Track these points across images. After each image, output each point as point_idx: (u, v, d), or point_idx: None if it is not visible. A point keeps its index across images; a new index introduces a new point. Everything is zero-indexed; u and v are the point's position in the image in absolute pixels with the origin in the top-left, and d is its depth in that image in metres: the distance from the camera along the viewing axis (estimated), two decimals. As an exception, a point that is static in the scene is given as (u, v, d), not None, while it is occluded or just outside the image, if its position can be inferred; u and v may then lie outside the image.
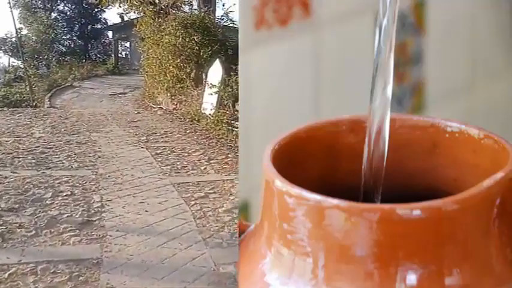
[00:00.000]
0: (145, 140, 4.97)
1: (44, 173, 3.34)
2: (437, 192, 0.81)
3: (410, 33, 1.25)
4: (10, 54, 16.86)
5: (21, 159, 3.78)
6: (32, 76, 12.19)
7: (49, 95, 10.38)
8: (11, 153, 3.98)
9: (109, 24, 16.77)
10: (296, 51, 1.12)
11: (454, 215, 0.68)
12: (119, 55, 16.18)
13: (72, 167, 3.59)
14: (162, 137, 5.22)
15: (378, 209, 0.69)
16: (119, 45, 16.59)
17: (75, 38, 16.80)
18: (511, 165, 0.73)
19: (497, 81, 1.36)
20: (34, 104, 9.97)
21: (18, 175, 3.24)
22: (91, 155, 4.07)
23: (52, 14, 16.23)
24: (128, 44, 17.13)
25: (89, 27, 16.64)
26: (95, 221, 2.41)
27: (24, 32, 15.56)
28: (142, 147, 4.56)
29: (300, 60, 1.13)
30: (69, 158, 3.89)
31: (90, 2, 12.47)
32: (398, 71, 1.23)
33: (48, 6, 16.32)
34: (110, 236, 2.19)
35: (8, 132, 5.23)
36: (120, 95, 10.42)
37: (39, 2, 16.25)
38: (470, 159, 0.84)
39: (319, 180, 0.88)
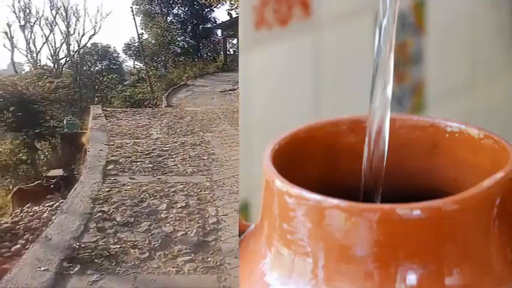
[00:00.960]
0: None
1: (159, 179, 3.41)
2: (437, 192, 0.81)
3: (410, 33, 1.25)
4: (134, 58, 18.69)
5: (139, 163, 3.89)
6: (152, 77, 13.53)
7: (166, 94, 11.06)
8: (130, 157, 4.14)
9: (218, 22, 17.35)
10: (296, 51, 1.12)
11: (454, 215, 0.68)
12: (227, 52, 16.63)
13: (187, 172, 3.63)
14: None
15: (378, 209, 0.69)
16: (227, 43, 17.02)
17: (188, 38, 17.73)
18: (511, 165, 0.73)
19: (497, 81, 1.36)
20: (154, 102, 10.94)
21: (135, 181, 3.33)
22: (205, 157, 4.10)
23: (168, 17, 17.35)
24: (235, 41, 17.49)
25: (200, 27, 17.50)
26: (210, 242, 2.31)
27: (145, 36, 17.18)
28: None
29: (300, 60, 1.13)
30: (184, 162, 3.94)
31: (201, 2, 13.35)
32: (398, 71, 1.23)
33: (165, 10, 17.45)
34: (228, 264, 2.03)
35: (129, 133, 5.52)
36: (229, 92, 10.64)
37: (157, 7, 17.42)
38: (470, 159, 0.84)
39: (319, 180, 0.88)
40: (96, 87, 17.22)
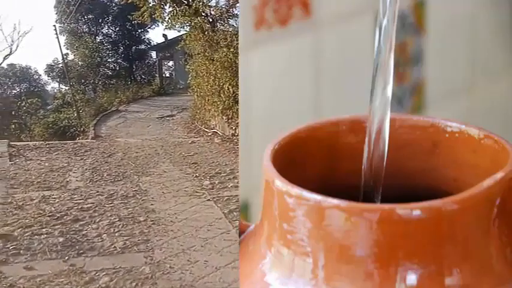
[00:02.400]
0: (210, 187, 3.74)
1: (72, 266, 2.19)
2: (437, 192, 0.81)
3: (410, 33, 1.25)
4: (58, 80, 16.82)
5: (44, 237, 2.57)
6: (79, 101, 12.14)
7: (94, 122, 9.69)
8: (32, 225, 2.75)
9: (152, 44, 16.55)
10: (296, 51, 1.12)
11: (454, 215, 0.68)
12: (163, 75, 16.02)
13: (116, 248, 2.41)
14: (229, 179, 3.97)
15: (378, 209, 0.69)
16: (163, 65, 16.42)
17: (120, 60, 16.56)
18: (511, 165, 0.73)
19: (497, 81, 1.36)
20: (82, 129, 9.70)
21: (32, 274, 2.10)
22: (141, 218, 2.92)
23: (97, 37, 16.09)
24: (171, 63, 16.96)
25: (133, 48, 16.51)
26: None
27: (71, 57, 15.60)
28: (208, 200, 3.36)
29: (300, 60, 1.13)
30: (112, 230, 2.69)
31: (133, 22, 12.06)
32: (398, 71, 1.23)
33: (93, 30, 16.16)
34: None
35: (38, 182, 3.98)
36: (168, 118, 9.62)
37: (85, 26, 16.13)
38: (470, 159, 0.84)
39: (319, 180, 0.88)
40: (14, 112, 14.61)
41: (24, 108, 14.13)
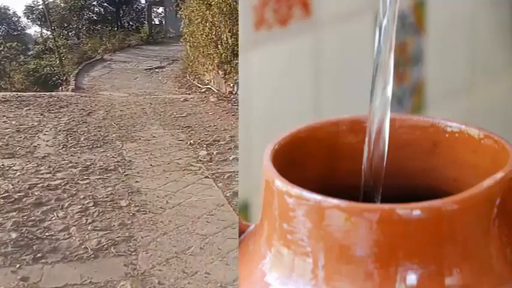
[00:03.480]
0: (208, 159, 3.10)
1: (23, 282, 1.56)
2: (437, 192, 0.81)
3: (410, 33, 1.25)
4: (38, 23, 15.48)
5: None
6: (62, 47, 11.02)
7: (76, 71, 8.58)
8: None
9: None
10: (296, 51, 1.12)
11: (454, 215, 0.68)
12: (152, 22, 14.71)
13: (87, 249, 1.80)
14: (230, 150, 3.30)
15: (378, 209, 0.69)
16: (152, 11, 15.07)
17: (106, 4, 14.96)
18: (511, 165, 0.73)
19: (497, 81, 1.36)
20: (64, 78, 8.91)
21: None
22: (123, 203, 2.28)
23: None
24: (161, 9, 15.60)
25: None
26: None
27: None
28: (206, 177, 2.74)
29: (300, 60, 1.13)
30: (84, 220, 2.07)
31: None
32: (398, 71, 1.23)
33: None
34: None
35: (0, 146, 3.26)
36: (157, 70, 8.64)
37: None
38: (470, 159, 0.84)
39: (319, 180, 0.88)
40: None
41: (3, 53, 12.87)
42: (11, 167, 2.90)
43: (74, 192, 2.47)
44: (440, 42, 1.27)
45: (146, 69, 8.87)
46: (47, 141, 3.58)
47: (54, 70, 9.79)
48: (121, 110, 4.90)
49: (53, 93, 6.20)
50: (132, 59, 10.10)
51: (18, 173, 2.77)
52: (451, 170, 0.87)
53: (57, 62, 10.12)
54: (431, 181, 0.89)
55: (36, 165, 2.94)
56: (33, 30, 16.89)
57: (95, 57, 10.29)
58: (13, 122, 4.19)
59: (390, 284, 0.68)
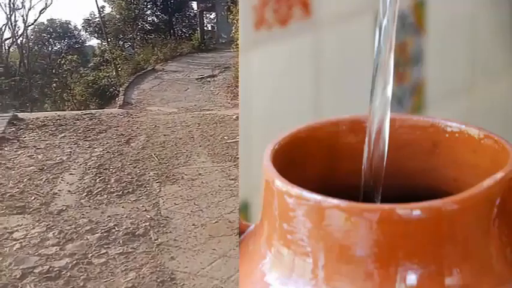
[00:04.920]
0: None
1: None
2: (437, 192, 0.81)
3: (410, 33, 1.25)
4: (96, 36, 15.70)
5: None
6: (118, 58, 11.25)
7: (126, 85, 8.26)
8: None
9: None
10: (296, 51, 1.12)
11: (454, 215, 0.68)
12: (205, 28, 14.50)
13: None
14: None
15: (378, 209, 0.69)
16: (204, 17, 14.88)
17: (158, 12, 14.79)
18: (511, 165, 0.73)
19: (497, 81, 1.36)
20: (120, 89, 8.55)
21: None
22: (157, 278, 1.72)
23: None
24: (213, 15, 15.47)
25: None
26: None
27: (107, 10, 14.44)
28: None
29: (300, 60, 1.13)
30: None
31: None
32: (398, 71, 1.23)
33: None
34: None
35: (12, 195, 2.62)
36: (208, 79, 8.29)
37: None
38: (470, 159, 0.84)
39: (319, 180, 0.88)
40: (54, 70, 13.92)
41: (64, 66, 13.60)
42: (13, 231, 2.17)
43: (82, 283, 1.71)
44: (440, 42, 1.27)
45: (197, 79, 8.51)
46: (71, 184, 2.87)
47: (112, 81, 9.90)
48: (165, 135, 4.19)
49: (96, 113, 5.62)
50: (183, 68, 9.80)
51: (17, 246, 2.01)
52: (451, 170, 0.87)
53: (114, 73, 10.29)
54: (431, 181, 0.89)
55: (45, 228, 2.21)
56: (94, 42, 17.09)
57: (146, 68, 10.16)
58: (39, 157, 3.47)
59: (390, 284, 0.68)
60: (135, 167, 3.22)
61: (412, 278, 0.68)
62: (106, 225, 2.23)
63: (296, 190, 0.72)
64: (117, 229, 2.19)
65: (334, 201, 0.69)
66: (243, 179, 1.12)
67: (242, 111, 1.11)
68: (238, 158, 3.17)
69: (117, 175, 3.04)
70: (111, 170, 3.18)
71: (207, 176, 2.98)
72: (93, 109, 8.33)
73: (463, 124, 0.84)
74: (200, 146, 3.77)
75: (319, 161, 0.89)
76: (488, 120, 1.07)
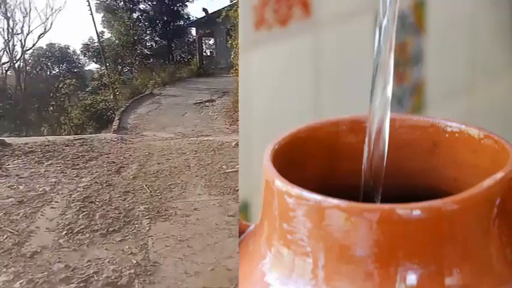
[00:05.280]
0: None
1: None
2: (437, 192, 0.81)
3: (410, 33, 1.25)
4: (94, 60, 15.88)
5: None
6: (116, 82, 11.26)
7: (122, 109, 8.09)
8: None
9: (191, 19, 14.96)
10: (296, 51, 1.12)
11: (454, 215, 0.68)
12: (203, 53, 14.63)
13: None
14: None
15: (378, 209, 0.69)
16: (203, 43, 15.02)
17: (157, 38, 15.23)
18: (511, 165, 0.73)
19: (497, 81, 1.36)
20: (117, 112, 8.76)
21: None
22: None
23: (133, 14, 14.65)
24: (211, 41, 15.61)
25: (171, 24, 15.00)
26: None
27: (107, 35, 14.69)
28: None
29: (300, 60, 1.13)
30: None
31: None
32: (398, 71, 1.23)
33: (129, 5, 14.58)
34: None
35: None
36: (207, 104, 8.20)
37: (120, 1, 14.60)
38: (470, 159, 0.84)
39: (319, 180, 0.88)
40: (52, 94, 14.26)
41: (62, 90, 13.69)
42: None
43: None
44: (440, 42, 1.27)
45: (196, 104, 8.39)
46: (51, 220, 2.56)
47: (109, 105, 9.89)
48: (159, 163, 3.87)
49: (88, 139, 5.32)
50: (182, 93, 9.71)
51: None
52: (451, 170, 0.87)
53: (112, 97, 10.23)
54: (431, 181, 0.89)
55: (12, 276, 1.85)
56: (93, 66, 17.26)
57: (144, 93, 10.13)
58: (21, 187, 3.16)
59: (390, 284, 0.68)
60: (124, 200, 2.90)
61: (412, 278, 0.68)
62: (84, 273, 1.92)
63: (296, 190, 0.72)
64: (96, 278, 1.87)
65: (334, 201, 0.69)
66: (243, 179, 1.12)
67: (242, 111, 1.11)
68: (237, 190, 2.48)
69: (103, 209, 2.73)
70: (97, 203, 2.87)
71: (203, 211, 2.67)
72: (90, 133, 8.29)
73: (463, 124, 0.84)
74: (196, 176, 3.45)
75: (319, 161, 0.90)
76: (488, 120, 1.07)
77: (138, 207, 2.78)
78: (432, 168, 0.89)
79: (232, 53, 6.83)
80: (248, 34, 1.06)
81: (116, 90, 10.58)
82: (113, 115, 8.51)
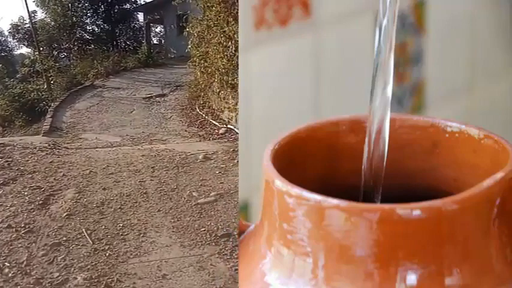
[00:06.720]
0: None
1: None
2: (437, 192, 0.81)
3: (410, 33, 1.25)
4: (25, 43, 13.83)
5: None
6: (50, 70, 9.63)
7: (56, 104, 6.68)
8: None
9: (139, 3, 13.30)
10: (296, 51, 1.12)
11: (454, 215, 0.68)
12: (151, 42, 13.43)
13: None
14: None
15: (378, 209, 0.69)
16: (151, 30, 13.84)
17: (100, 21, 13.23)
18: (511, 165, 0.73)
19: (497, 81, 1.36)
20: (52, 104, 7.45)
21: None
22: None
23: None
24: (159, 28, 14.24)
25: (116, 8, 13.16)
26: None
27: (40, 15, 12.69)
28: None
29: (300, 60, 1.13)
30: None
31: None
32: (398, 71, 1.23)
33: None
34: None
35: None
36: (158, 99, 6.90)
37: None
38: (470, 159, 0.84)
39: (319, 180, 0.88)
40: None
41: None
42: None
43: None
44: (440, 42, 1.27)
45: (145, 98, 7.06)
46: None
47: (42, 95, 8.54)
48: (104, 189, 2.68)
49: (7, 145, 3.84)
50: (128, 85, 8.28)
51: None
52: (451, 170, 0.87)
53: (45, 86, 8.94)
54: (431, 181, 0.89)
55: None
56: (24, 51, 15.02)
57: (84, 83, 8.74)
58: None
59: (390, 284, 0.68)
60: (50, 263, 1.76)
61: (412, 278, 0.68)
62: None
63: (296, 190, 0.72)
64: None
65: (334, 201, 0.69)
66: (243, 179, 1.12)
67: (242, 111, 1.11)
68: (222, 237, 1.99)
69: (15, 284, 1.61)
70: (6, 267, 1.73)
71: (174, 280, 1.64)
72: (20, 126, 6.89)
73: (463, 124, 0.84)
74: (159, 210, 2.32)
75: (319, 161, 0.89)
76: (488, 120, 1.07)
77: (75, 278, 1.66)
78: (432, 168, 0.89)
79: (189, 42, 5.68)
80: (248, 34, 1.06)
81: (50, 78, 9.22)
82: (46, 107, 7.28)
